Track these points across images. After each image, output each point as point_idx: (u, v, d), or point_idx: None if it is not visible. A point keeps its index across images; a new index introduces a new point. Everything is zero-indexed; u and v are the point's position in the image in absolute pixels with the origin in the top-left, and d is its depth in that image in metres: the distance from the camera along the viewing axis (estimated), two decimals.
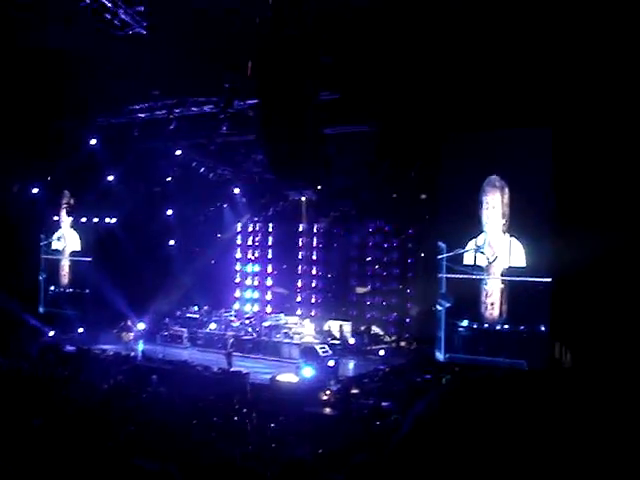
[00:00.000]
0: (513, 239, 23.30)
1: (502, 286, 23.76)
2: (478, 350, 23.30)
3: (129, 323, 29.08)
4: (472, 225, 24.06)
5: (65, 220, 33.83)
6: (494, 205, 23.70)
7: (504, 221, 23.57)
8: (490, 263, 23.86)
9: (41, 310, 32.98)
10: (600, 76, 18.72)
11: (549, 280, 22.16)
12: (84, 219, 33.15)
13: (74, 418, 12.48)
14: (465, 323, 24.11)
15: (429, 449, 1.27)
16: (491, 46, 19.03)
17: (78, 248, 33.55)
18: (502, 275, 23.73)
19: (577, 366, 19.33)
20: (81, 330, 29.38)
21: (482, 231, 23.99)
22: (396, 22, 18.79)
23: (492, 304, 23.88)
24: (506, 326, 23.50)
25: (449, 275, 24.31)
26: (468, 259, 24.19)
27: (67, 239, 33.89)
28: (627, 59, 17.98)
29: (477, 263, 24.08)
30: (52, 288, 33.88)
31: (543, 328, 22.46)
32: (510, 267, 23.45)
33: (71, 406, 14.78)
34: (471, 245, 24.12)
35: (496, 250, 23.71)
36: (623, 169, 19.64)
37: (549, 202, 21.93)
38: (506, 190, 23.45)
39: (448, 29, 18.79)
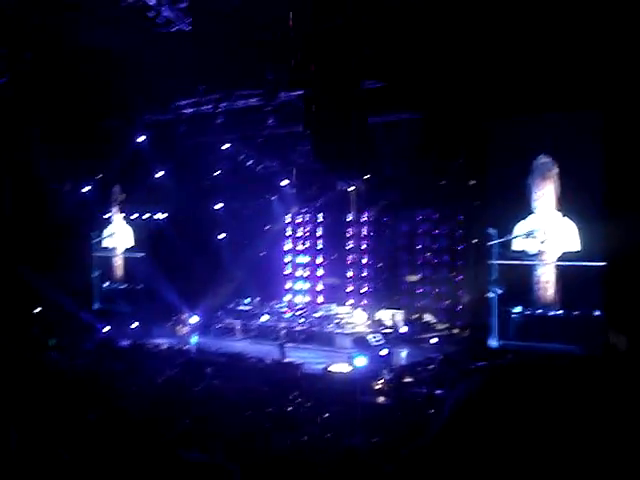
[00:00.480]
0: (566, 219, 22.97)
1: (555, 271, 23.48)
2: (532, 336, 23.06)
3: (182, 317, 29.35)
4: (522, 209, 23.79)
5: (117, 217, 34.29)
6: (545, 187, 23.39)
7: (555, 203, 23.25)
8: (542, 247, 23.57)
9: (96, 306, 33.49)
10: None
11: (603, 264, 21.82)
12: (135, 215, 33.55)
13: (130, 412, 12.65)
14: (518, 309, 23.89)
15: (469, 433, 1.27)
16: (537, 29, 18.79)
17: (130, 244, 33.99)
18: (555, 259, 23.44)
19: (633, 351, 19.01)
20: (135, 325, 29.73)
21: (532, 214, 23.70)
22: (439, 9, 18.66)
23: (545, 290, 23.61)
24: (560, 312, 23.22)
25: (500, 261, 24.09)
26: (519, 245, 23.94)
27: (119, 236, 34.33)
28: None
29: (528, 248, 23.82)
30: (106, 285, 34.38)
31: (598, 313, 22.15)
32: (563, 252, 23.16)
33: (126, 400, 14.99)
34: (521, 229, 23.86)
35: (548, 233, 23.40)
36: None
37: (601, 185, 21.59)
38: (556, 170, 23.12)
39: (492, 14, 18.60)
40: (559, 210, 23.17)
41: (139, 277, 32.90)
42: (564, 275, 23.17)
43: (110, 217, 34.39)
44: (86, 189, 32.71)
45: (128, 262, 34.08)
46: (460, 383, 1.39)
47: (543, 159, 23.32)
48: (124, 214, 34.00)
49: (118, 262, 34.52)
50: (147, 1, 16.80)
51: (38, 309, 29.47)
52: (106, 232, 34.57)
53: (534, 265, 23.72)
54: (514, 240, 23.92)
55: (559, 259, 23.24)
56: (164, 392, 17.50)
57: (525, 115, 22.66)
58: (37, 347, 24.01)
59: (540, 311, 23.58)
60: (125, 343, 26.60)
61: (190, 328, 28.28)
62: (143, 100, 26.10)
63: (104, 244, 34.63)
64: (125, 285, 34.02)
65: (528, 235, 23.69)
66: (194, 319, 28.97)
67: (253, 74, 23.52)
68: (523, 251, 23.81)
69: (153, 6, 16.97)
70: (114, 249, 34.52)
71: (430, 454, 1.37)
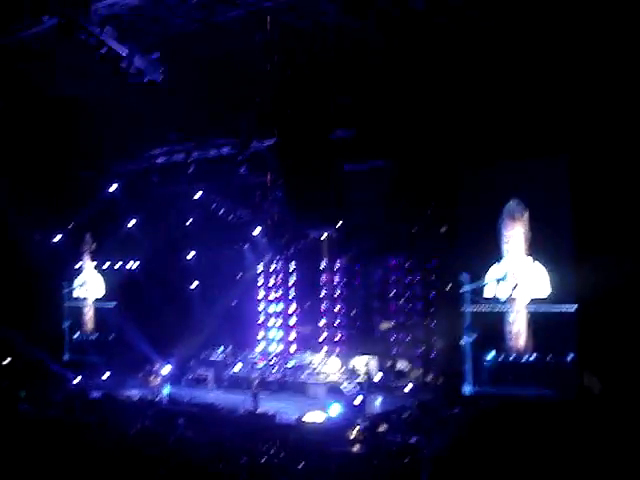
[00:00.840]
0: (537, 263, 23.16)
1: (527, 316, 23.59)
2: (506, 382, 23.07)
3: (154, 367, 29.02)
4: (493, 256, 23.97)
5: (88, 266, 34.03)
6: (515, 232, 23.60)
7: (526, 247, 23.47)
8: (513, 293, 23.70)
9: (66, 357, 33.07)
10: (613, 102, 18.74)
11: (574, 307, 21.99)
12: (106, 264, 33.33)
13: (102, 464, 12.46)
14: (491, 356, 23.92)
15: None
16: (502, 79, 19.13)
17: (102, 294, 33.70)
18: (526, 304, 23.57)
19: (606, 393, 19.07)
20: (106, 376, 29.36)
21: (503, 258, 23.85)
22: (409, 61, 18.94)
23: (517, 335, 23.69)
24: (533, 357, 23.29)
25: (473, 308, 24.18)
26: (490, 291, 24.07)
27: (90, 285, 34.05)
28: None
29: (499, 294, 23.95)
30: (76, 335, 33.98)
31: (570, 357, 22.24)
32: (534, 297, 23.31)
33: (98, 452, 14.76)
34: (493, 275, 24.01)
35: (519, 277, 23.56)
36: None
37: (569, 229, 21.84)
38: (526, 216, 23.37)
39: (460, 67, 18.92)
40: (529, 254, 23.37)
41: (110, 327, 32.57)
42: (536, 320, 23.29)
43: (81, 266, 34.13)
44: (57, 238, 32.46)
45: (99, 312, 33.76)
46: (438, 432, 1.38)
47: (513, 203, 23.57)
48: (95, 263, 33.77)
49: (89, 312, 34.18)
50: (119, 52, 16.85)
51: (8, 360, 29.06)
52: (77, 282, 34.28)
53: (506, 311, 23.82)
54: (486, 287, 24.04)
55: (531, 303, 23.38)
56: (137, 443, 17.25)
57: (494, 162, 22.94)
58: (7, 399, 23.65)
59: (513, 357, 23.62)
60: (96, 394, 26.25)
61: (162, 378, 27.93)
62: (115, 149, 26.09)
63: (75, 294, 34.32)
64: (96, 335, 33.65)
65: (499, 280, 23.83)
66: (166, 369, 28.64)
67: (225, 123, 23.64)
68: (495, 297, 23.94)
69: (125, 57, 17.05)
70: (85, 299, 34.21)
71: None
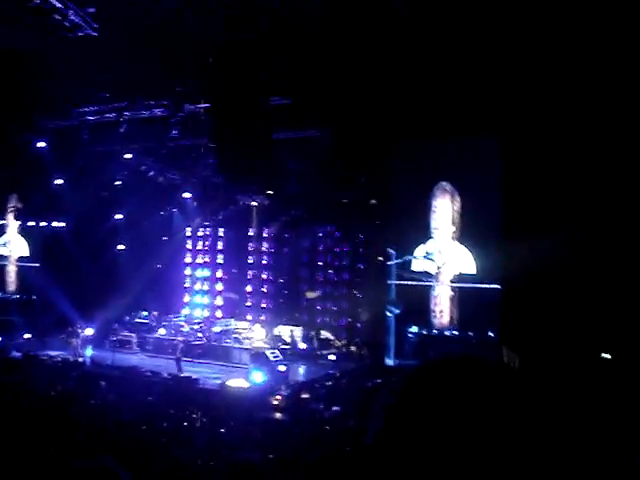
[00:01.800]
0: (462, 247, 23.54)
1: (451, 293, 23.99)
2: (428, 356, 23.42)
3: (77, 329, 28.65)
4: (422, 232, 24.26)
5: (12, 225, 33.29)
6: (443, 210, 23.92)
7: (454, 228, 23.81)
8: (439, 270, 24.06)
9: None
10: (542, 83, 19.02)
11: (498, 287, 22.43)
12: (32, 223, 32.66)
13: (20, 424, 12.27)
14: (415, 329, 24.27)
15: (409, 437, 1.27)
16: (440, 54, 19.22)
17: (26, 254, 33.05)
18: (451, 282, 23.95)
19: (524, 369, 19.57)
20: (28, 336, 28.87)
21: (431, 237, 24.17)
22: (348, 29, 18.86)
23: (441, 311, 24.10)
24: (455, 332, 23.72)
25: (398, 282, 24.45)
26: (417, 266, 24.36)
27: (14, 244, 33.35)
28: (567, 64, 18.28)
29: (426, 270, 24.27)
30: None
31: (492, 334, 22.73)
32: (460, 274, 23.69)
33: (17, 412, 14.53)
34: (420, 252, 24.30)
35: (445, 257, 23.93)
36: (568, 176, 19.98)
37: (497, 209, 22.21)
38: (456, 196, 23.70)
39: (398, 37, 18.91)
40: (456, 234, 23.72)
41: (33, 287, 31.97)
42: (460, 297, 23.71)
43: (4, 225, 33.34)
44: None
45: (22, 271, 33.11)
46: (382, 391, 1.40)
47: (444, 183, 23.86)
48: (20, 222, 33.02)
49: (11, 271, 33.49)
50: (54, 4, 16.40)
51: None
52: (0, 240, 33.52)
53: (431, 286, 24.17)
54: (414, 260, 24.32)
55: (456, 281, 23.76)
56: (57, 405, 17.03)
57: (426, 136, 23.12)
58: None
59: (436, 332, 24.02)
60: (17, 354, 25.81)
61: (85, 340, 27.61)
62: (44, 105, 25.45)
63: None
64: (18, 295, 33.01)
65: (426, 257, 24.14)
66: (89, 331, 28.32)
67: (159, 84, 23.26)
68: (424, 271, 24.23)
69: (60, 9, 16.61)
70: (7, 258, 33.48)
71: (364, 462, 1.36)
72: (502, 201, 22.01)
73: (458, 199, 23.67)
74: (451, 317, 24.01)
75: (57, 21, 17.02)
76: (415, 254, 24.35)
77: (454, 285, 23.93)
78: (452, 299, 24.01)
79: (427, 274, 24.21)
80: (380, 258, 26.76)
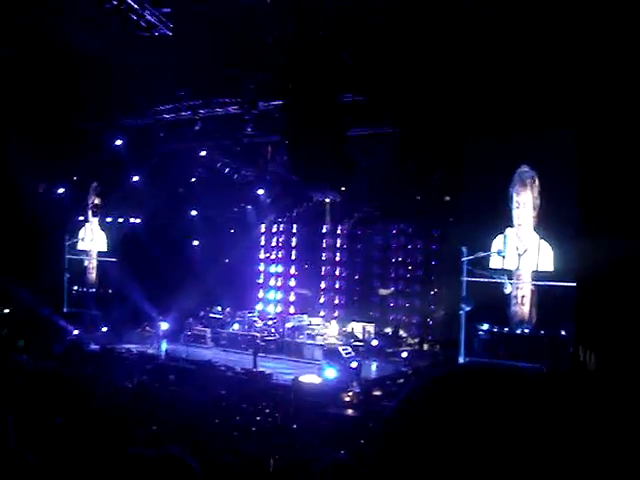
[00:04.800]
0: (542, 241, 23.05)
1: (528, 290, 23.56)
2: (498, 354, 23.14)
3: (153, 323, 29.17)
4: (497, 226, 23.85)
5: (91, 220, 34.03)
6: (525, 197, 23.31)
7: (534, 213, 23.17)
8: (519, 264, 23.57)
9: (66, 309, 33.16)
10: (625, 78, 18.56)
11: (574, 284, 21.94)
12: (109, 219, 33.34)
13: (97, 417, 12.55)
14: (485, 327, 23.97)
15: (412, 435, 1.27)
16: (515, 49, 18.96)
17: (104, 248, 33.73)
18: (529, 279, 23.51)
19: (601, 369, 19.15)
20: (105, 329, 29.51)
21: (510, 226, 23.59)
22: (420, 25, 18.76)
23: (519, 307, 23.66)
24: (526, 330, 23.32)
25: (470, 278, 24.14)
26: (493, 262, 23.99)
27: (93, 239, 34.08)
28: None
29: (506, 265, 23.84)
30: (76, 288, 34.02)
31: (564, 332, 22.28)
32: (537, 271, 23.23)
33: (94, 405, 14.86)
34: (495, 247, 23.93)
35: (526, 245, 23.32)
36: None
37: (575, 204, 21.71)
38: (537, 183, 23.08)
39: (472, 32, 18.73)
40: (536, 222, 23.19)
41: (111, 281, 32.63)
42: (536, 294, 23.28)
43: (84, 220, 34.10)
44: (61, 191, 32.39)
45: (100, 266, 33.81)
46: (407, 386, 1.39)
47: (524, 168, 23.29)
48: (98, 218, 33.74)
49: (90, 266, 34.24)
50: (131, 4, 16.73)
51: (7, 310, 29.18)
52: (79, 235, 34.28)
53: (505, 283, 23.79)
54: (491, 257, 23.95)
55: (534, 278, 23.34)
56: (132, 397, 17.38)
57: (501, 131, 22.76)
58: (5, 348, 23.78)
59: (507, 329, 23.66)
60: (94, 347, 26.40)
61: (160, 334, 28.08)
62: (122, 103, 25.97)
63: (77, 247, 34.32)
64: (96, 289, 33.74)
65: (499, 253, 23.75)
66: (164, 325, 28.78)
67: (233, 82, 23.48)
68: (499, 269, 23.83)
69: (136, 10, 16.93)
70: (87, 252, 34.24)
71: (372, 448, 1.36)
72: (579, 196, 21.51)
73: (537, 184, 23.05)
74: (525, 314, 23.61)
75: (133, 21, 17.34)
76: (492, 248, 23.94)
77: (531, 282, 23.48)
78: (528, 296, 23.59)
79: (503, 270, 23.80)
80: (451, 255, 26.51)
